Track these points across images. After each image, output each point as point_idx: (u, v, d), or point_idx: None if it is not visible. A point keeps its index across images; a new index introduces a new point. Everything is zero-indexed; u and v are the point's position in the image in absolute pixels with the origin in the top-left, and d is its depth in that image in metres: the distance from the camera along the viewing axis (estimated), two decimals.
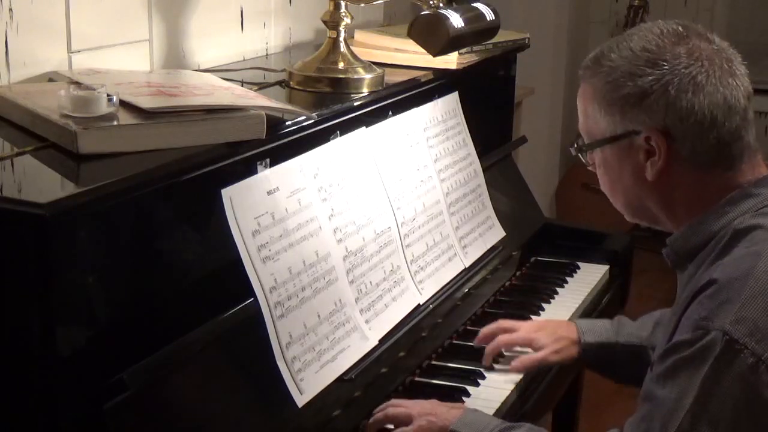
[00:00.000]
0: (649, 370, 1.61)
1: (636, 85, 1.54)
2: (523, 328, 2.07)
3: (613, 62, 1.57)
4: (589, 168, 1.69)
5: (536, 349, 2.02)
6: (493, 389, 1.94)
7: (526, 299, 2.37)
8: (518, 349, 2.06)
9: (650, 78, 1.53)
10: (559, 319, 2.17)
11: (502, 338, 2.04)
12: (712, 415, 1.41)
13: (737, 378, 1.41)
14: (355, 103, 2.01)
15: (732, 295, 1.44)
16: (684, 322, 1.50)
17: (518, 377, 1.99)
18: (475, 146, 2.46)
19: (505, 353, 2.05)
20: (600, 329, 2.04)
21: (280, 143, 1.74)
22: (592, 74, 1.61)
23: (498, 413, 1.87)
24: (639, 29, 1.60)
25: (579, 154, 1.68)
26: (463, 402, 1.87)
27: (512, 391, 1.95)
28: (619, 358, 2.02)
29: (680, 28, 1.57)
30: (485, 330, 2.08)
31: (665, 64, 1.53)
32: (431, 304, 2.10)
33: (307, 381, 1.70)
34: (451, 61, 2.35)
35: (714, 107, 1.53)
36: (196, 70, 2.15)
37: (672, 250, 1.65)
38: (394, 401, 1.80)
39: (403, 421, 1.74)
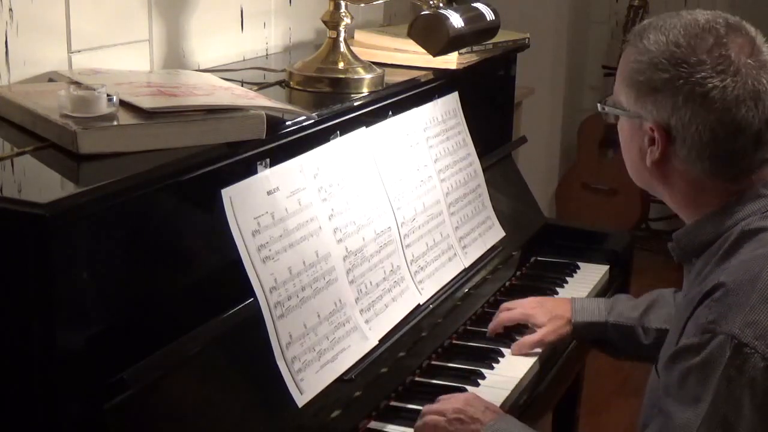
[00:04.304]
0: (653, 371, 1.59)
1: (651, 78, 1.53)
2: (522, 305, 2.16)
3: (647, 44, 1.54)
4: (610, 121, 1.68)
5: (534, 326, 2.11)
6: (493, 389, 1.94)
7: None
8: None
9: (665, 76, 1.51)
10: (556, 297, 2.25)
11: (503, 315, 2.15)
12: (728, 425, 1.40)
13: (749, 383, 1.39)
14: (355, 103, 2.01)
15: (740, 299, 1.42)
16: (690, 324, 1.48)
17: (518, 377, 1.99)
18: (475, 146, 2.46)
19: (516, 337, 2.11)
20: (593, 309, 2.12)
21: (280, 143, 1.74)
22: (630, 44, 1.59)
23: None
24: (690, 15, 1.55)
25: (603, 108, 1.67)
26: None
27: (512, 391, 1.95)
28: (609, 336, 2.09)
29: (722, 30, 1.51)
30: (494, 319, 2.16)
31: (685, 67, 1.50)
32: (431, 304, 2.10)
33: (307, 381, 1.70)
34: (451, 61, 2.35)
35: (718, 126, 1.49)
36: (196, 70, 2.16)
37: (677, 245, 1.63)
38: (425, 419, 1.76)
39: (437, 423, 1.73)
